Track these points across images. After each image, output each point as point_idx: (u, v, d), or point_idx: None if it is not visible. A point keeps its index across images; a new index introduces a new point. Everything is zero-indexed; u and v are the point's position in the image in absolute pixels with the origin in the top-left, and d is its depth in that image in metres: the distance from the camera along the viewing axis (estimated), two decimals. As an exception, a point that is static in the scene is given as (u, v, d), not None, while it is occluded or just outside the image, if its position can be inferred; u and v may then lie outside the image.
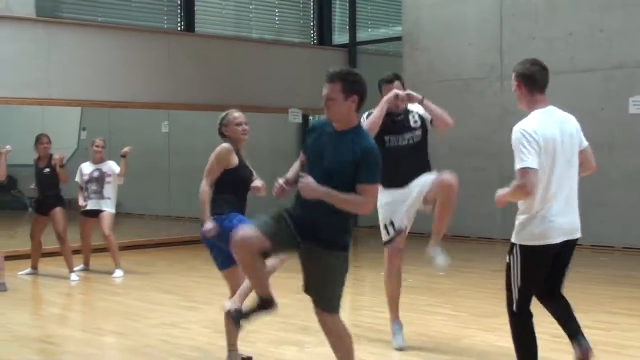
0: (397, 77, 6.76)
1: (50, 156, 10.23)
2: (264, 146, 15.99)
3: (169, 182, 16.16)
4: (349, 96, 4.64)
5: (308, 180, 4.50)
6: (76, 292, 9.74)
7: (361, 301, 9.21)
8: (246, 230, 4.55)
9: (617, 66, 12.23)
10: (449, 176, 6.40)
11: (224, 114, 5.90)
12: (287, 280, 10.30)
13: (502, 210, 13.84)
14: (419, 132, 6.59)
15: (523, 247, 4.89)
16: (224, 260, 5.65)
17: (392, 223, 6.49)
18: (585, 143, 5.12)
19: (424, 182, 6.46)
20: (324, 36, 16.70)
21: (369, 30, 17.34)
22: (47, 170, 10.20)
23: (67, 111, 14.51)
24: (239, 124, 5.81)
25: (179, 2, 14.75)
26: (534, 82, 4.93)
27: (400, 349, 6.48)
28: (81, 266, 10.72)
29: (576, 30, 12.67)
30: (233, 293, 5.61)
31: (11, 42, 12.14)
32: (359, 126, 4.75)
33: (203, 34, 14.91)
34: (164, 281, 10.05)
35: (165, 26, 14.77)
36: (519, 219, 4.91)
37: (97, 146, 10.65)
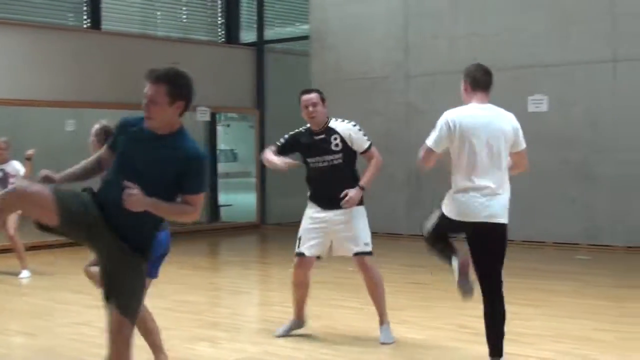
0: (317, 90, 6.71)
1: (-48, 157, 10.04)
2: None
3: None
4: (174, 102, 4.21)
5: (135, 191, 4.04)
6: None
7: (271, 297, 9.34)
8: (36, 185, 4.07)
9: (518, 66, 12.65)
10: (371, 273, 6.67)
11: None
12: (197, 279, 10.41)
13: (408, 206, 14.21)
14: (339, 156, 6.59)
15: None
16: None
17: (300, 239, 6.64)
18: (523, 146, 5.66)
19: (347, 247, 6.63)
20: (231, 34, 16.75)
21: (276, 28, 17.47)
22: (-51, 170, 10.01)
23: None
24: None
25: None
26: (473, 79, 5.64)
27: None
28: (-15, 267, 10.56)
29: (479, 30, 13.06)
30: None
31: None
32: (180, 130, 4.31)
33: (109, 31, 14.79)
34: (72, 281, 9.92)
35: (71, 23, 14.58)
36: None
37: (0, 147, 10.48)
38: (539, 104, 12.37)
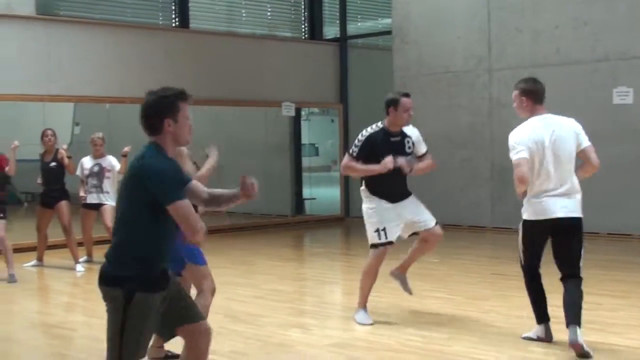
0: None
1: (57, 150, 10.55)
2: (258, 140, 16.37)
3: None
4: None
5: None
6: (83, 282, 10.06)
7: (357, 287, 9.58)
8: None
9: (601, 58, 12.63)
10: (440, 231, 7.21)
11: None
12: (285, 269, 10.73)
13: (492, 200, 14.31)
14: (409, 158, 7.03)
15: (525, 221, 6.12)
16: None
17: (384, 230, 6.99)
18: (586, 144, 6.14)
19: (424, 221, 7.13)
20: (315, 30, 17.05)
21: (358, 23, 17.70)
22: (54, 164, 10.52)
23: (61, 107, 14.78)
24: None
25: (173, -2, 15.09)
26: (535, 95, 6.11)
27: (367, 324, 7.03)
28: (85, 258, 11.01)
29: (562, 23, 13.07)
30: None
31: (13, 40, 12.43)
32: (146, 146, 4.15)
33: (197, 30, 15.24)
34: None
35: (161, 22, 15.09)
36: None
37: (95, 143, 10.87)
38: (624, 96, 12.32)
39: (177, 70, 14.13)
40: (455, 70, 14.25)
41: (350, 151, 7.01)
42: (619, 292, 8.36)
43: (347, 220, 16.32)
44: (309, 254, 13.16)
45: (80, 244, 10.94)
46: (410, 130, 7.12)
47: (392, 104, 6.92)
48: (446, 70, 14.38)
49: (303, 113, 17.80)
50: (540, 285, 6.28)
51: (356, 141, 6.97)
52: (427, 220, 7.14)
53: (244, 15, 16.64)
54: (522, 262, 6.29)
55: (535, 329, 6.34)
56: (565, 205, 5.98)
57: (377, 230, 7.00)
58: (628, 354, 6.06)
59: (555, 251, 6.13)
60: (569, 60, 12.97)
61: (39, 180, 10.80)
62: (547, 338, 6.25)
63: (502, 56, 13.74)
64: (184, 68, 14.21)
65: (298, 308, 8.19)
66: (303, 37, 17.04)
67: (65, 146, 10.74)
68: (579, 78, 12.85)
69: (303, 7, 17.13)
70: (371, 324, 7.04)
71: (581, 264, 6.08)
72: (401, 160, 6.88)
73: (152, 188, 3.91)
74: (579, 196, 6.09)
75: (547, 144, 5.94)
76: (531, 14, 13.43)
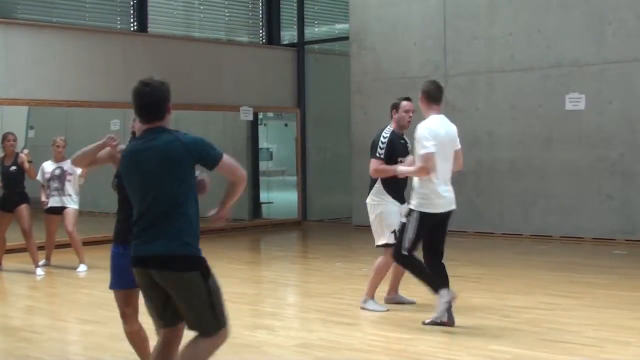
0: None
1: (17, 154, 10.51)
2: (216, 144, 16.38)
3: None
4: None
5: None
6: (44, 286, 10.06)
7: (319, 289, 9.72)
8: None
9: (554, 65, 12.94)
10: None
11: None
12: (246, 272, 10.81)
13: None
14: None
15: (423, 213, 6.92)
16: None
17: (394, 232, 7.47)
18: (459, 146, 7.11)
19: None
20: (272, 35, 17.16)
21: (316, 29, 17.85)
22: (14, 168, 10.47)
23: (16, 110, 14.69)
24: None
25: (131, 3, 15.07)
26: (429, 95, 7.06)
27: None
28: (43, 261, 10.96)
29: (516, 30, 13.36)
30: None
31: (-31, 43, 12.35)
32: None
33: (156, 34, 15.26)
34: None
35: (119, 26, 15.08)
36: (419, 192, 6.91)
37: (57, 145, 10.91)
38: (576, 102, 12.64)
39: (135, 74, 13.82)
40: (411, 76, 14.45)
41: (377, 154, 7.51)
42: (574, 293, 8.59)
43: (305, 224, 16.44)
44: (268, 257, 13.25)
45: (40, 247, 10.91)
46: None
47: (394, 107, 7.75)
48: (403, 76, 14.57)
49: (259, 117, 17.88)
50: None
51: (380, 144, 7.51)
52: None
53: (202, 19, 16.68)
54: (407, 249, 6.95)
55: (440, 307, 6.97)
56: (452, 199, 7.01)
57: (394, 232, 7.44)
58: (584, 351, 6.26)
59: (439, 237, 7.07)
60: (522, 67, 13.26)
61: None
62: (449, 322, 6.94)
63: (458, 62, 13.99)
64: (142, 72, 13.87)
65: (261, 310, 8.29)
66: (261, 42, 17.15)
67: (26, 151, 10.71)
68: (532, 84, 13.15)
69: (260, 12, 17.23)
70: (386, 310, 7.61)
71: None
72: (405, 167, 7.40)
73: (198, 156, 4.35)
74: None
75: (445, 141, 6.90)
76: (486, 21, 13.71)
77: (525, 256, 11.47)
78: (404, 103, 7.73)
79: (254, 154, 17.18)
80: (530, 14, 13.23)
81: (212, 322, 4.41)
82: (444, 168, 6.90)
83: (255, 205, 17.14)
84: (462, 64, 13.94)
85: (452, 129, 7.06)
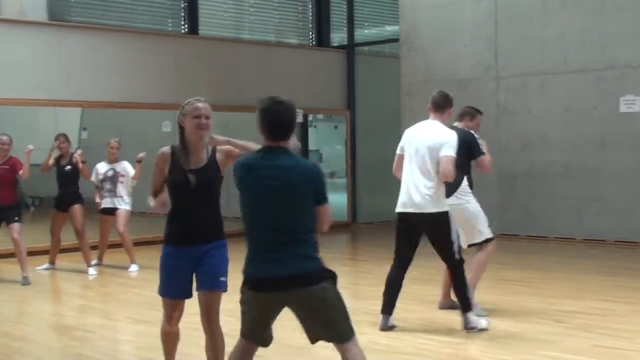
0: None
1: (72, 155, 10.67)
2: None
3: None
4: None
5: None
6: (96, 285, 10.19)
7: (370, 291, 9.69)
8: None
9: (608, 67, 12.76)
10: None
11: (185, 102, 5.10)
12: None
13: (499, 207, 14.26)
14: None
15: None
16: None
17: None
18: (442, 154, 6.83)
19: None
20: (322, 37, 17.18)
21: (365, 31, 17.83)
22: (69, 168, 10.63)
23: (69, 112, 14.91)
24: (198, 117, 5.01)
25: (182, 5, 15.21)
26: (432, 104, 7.18)
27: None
28: (95, 261, 11.12)
29: (569, 31, 13.20)
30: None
31: (25, 45, 12.55)
32: None
33: (206, 36, 15.37)
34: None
35: (170, 29, 15.22)
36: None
37: (112, 147, 11.03)
38: (631, 104, 12.45)
39: (186, 76, 14.26)
40: (461, 78, 14.37)
41: (482, 152, 7.58)
42: (627, 299, 8.46)
43: (354, 226, 16.43)
44: (318, 259, 13.24)
45: (93, 247, 11.06)
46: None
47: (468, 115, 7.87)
48: (453, 78, 14.48)
49: (309, 119, 17.92)
50: None
51: (479, 142, 7.59)
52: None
53: (252, 22, 16.76)
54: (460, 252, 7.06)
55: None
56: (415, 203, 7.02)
57: (489, 225, 7.58)
58: (639, 358, 6.17)
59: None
60: (576, 69, 13.10)
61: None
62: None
63: (510, 64, 13.86)
64: (193, 74, 14.34)
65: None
66: (310, 44, 17.18)
67: (80, 151, 10.86)
68: (586, 86, 12.98)
69: (310, 14, 17.26)
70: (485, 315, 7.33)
71: None
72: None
73: (317, 188, 4.40)
74: None
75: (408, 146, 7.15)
76: (539, 22, 13.56)
77: (577, 260, 11.33)
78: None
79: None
80: (583, 16, 13.06)
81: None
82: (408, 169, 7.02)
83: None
84: (514, 66, 13.81)
85: (430, 134, 6.99)
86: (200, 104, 5.00)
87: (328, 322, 4.47)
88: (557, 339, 6.72)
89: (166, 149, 5.02)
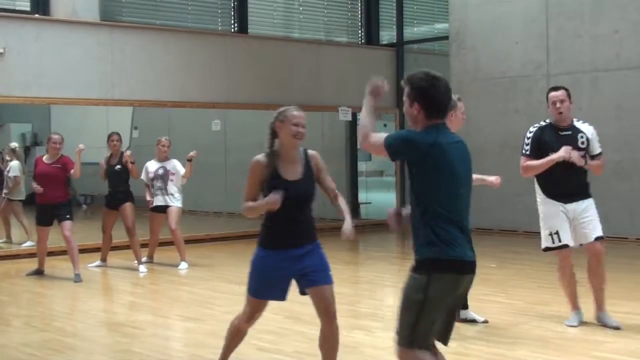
0: (564, 88, 7.16)
1: (122, 154, 10.79)
2: (315, 144, 16.49)
3: (225, 179, 16.67)
4: (412, 103, 4.24)
5: None
6: (147, 283, 10.29)
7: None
8: None
9: (662, 63, 12.55)
10: (597, 248, 7.14)
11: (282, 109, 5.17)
12: (345, 273, 10.82)
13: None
14: (583, 153, 6.97)
15: None
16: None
17: (557, 233, 7.00)
18: None
19: (585, 232, 7.08)
20: (371, 35, 17.14)
21: (415, 29, 17.75)
22: (119, 167, 10.75)
23: (121, 111, 15.08)
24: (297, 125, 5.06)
25: (232, 4, 15.28)
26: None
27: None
28: (145, 258, 11.21)
29: (621, 27, 12.99)
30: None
31: (78, 45, 12.73)
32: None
33: (256, 35, 15.42)
34: (228, 272, 10.56)
35: (220, 28, 15.30)
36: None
37: (162, 145, 11.10)
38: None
39: (236, 75, 14.34)
40: (512, 76, 14.23)
41: (523, 151, 7.10)
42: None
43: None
44: (366, 258, 13.23)
45: (144, 244, 11.16)
46: (585, 127, 7.08)
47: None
48: (503, 76, 14.36)
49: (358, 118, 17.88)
50: None
51: (525, 139, 7.07)
52: (588, 232, 7.09)
53: (301, 20, 16.79)
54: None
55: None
56: None
57: (550, 234, 7.04)
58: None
59: None
60: (629, 65, 12.89)
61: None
62: None
63: (561, 61, 13.69)
64: (243, 73, 14.41)
65: (359, 311, 8.27)
66: (360, 42, 17.15)
67: (129, 152, 10.96)
68: (638, 83, 12.76)
69: (359, 12, 17.24)
70: (575, 326, 7.10)
71: None
72: (574, 153, 6.82)
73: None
74: None
75: None
76: (590, 19, 13.37)
77: (631, 260, 11.14)
78: (550, 94, 7.07)
79: (352, 155, 17.19)
80: (636, 12, 12.84)
81: None
82: None
83: (354, 205, 17.13)
84: (566, 63, 13.63)
85: None
86: (299, 113, 5.08)
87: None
88: (612, 340, 6.61)
89: (261, 157, 5.06)
